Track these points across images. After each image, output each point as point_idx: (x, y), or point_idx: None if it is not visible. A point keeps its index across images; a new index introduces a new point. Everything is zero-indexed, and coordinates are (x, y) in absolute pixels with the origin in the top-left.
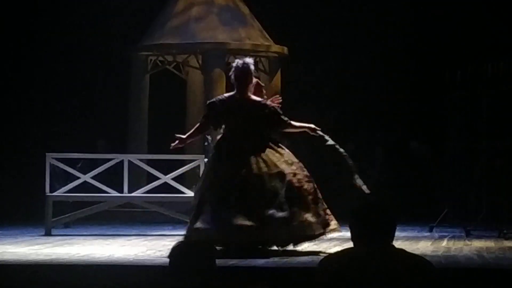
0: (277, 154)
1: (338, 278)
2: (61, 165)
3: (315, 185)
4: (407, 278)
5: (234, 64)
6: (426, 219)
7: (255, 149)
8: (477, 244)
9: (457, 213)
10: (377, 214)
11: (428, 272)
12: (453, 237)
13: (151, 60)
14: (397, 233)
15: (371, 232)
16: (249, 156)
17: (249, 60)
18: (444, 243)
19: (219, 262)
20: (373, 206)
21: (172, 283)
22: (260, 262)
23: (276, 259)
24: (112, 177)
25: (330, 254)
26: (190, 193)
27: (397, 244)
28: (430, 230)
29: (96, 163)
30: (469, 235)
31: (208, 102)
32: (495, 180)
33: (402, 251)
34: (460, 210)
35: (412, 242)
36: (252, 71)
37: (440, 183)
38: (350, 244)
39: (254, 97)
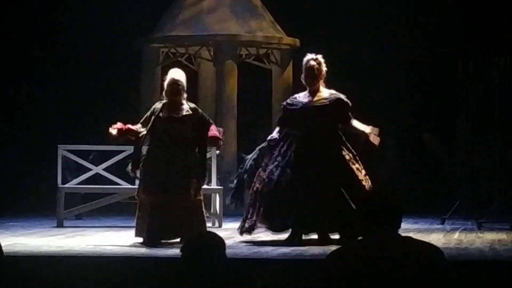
0: None
1: (346, 270)
2: (73, 157)
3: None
4: (416, 265)
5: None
6: (438, 211)
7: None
8: (489, 236)
9: (469, 205)
10: (383, 200)
11: (437, 257)
12: (465, 229)
13: (162, 52)
14: (409, 225)
15: (378, 219)
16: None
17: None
18: (456, 235)
19: (229, 253)
20: (379, 192)
21: (183, 275)
22: (272, 254)
23: (287, 250)
24: (124, 169)
25: (339, 247)
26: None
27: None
28: (442, 222)
29: (108, 154)
30: (481, 228)
31: None
32: (508, 172)
33: (409, 238)
34: (472, 202)
35: (424, 234)
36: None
37: (452, 175)
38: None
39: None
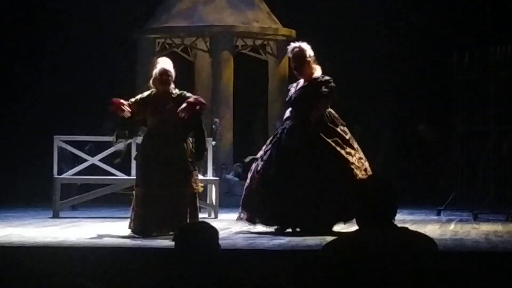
0: None
1: (342, 260)
2: (69, 148)
3: None
4: (410, 256)
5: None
6: (433, 203)
7: None
8: (485, 227)
9: (465, 196)
10: (378, 190)
11: (430, 248)
12: (460, 221)
13: (158, 42)
14: (405, 216)
15: (373, 209)
16: None
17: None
18: (452, 226)
19: (225, 244)
20: (374, 183)
21: (177, 266)
22: (268, 245)
23: (283, 241)
24: (120, 160)
25: (335, 238)
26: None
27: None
28: (438, 214)
29: (104, 145)
30: (476, 219)
31: None
32: (503, 164)
33: (405, 229)
34: (468, 194)
35: (420, 226)
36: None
37: (447, 166)
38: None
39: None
